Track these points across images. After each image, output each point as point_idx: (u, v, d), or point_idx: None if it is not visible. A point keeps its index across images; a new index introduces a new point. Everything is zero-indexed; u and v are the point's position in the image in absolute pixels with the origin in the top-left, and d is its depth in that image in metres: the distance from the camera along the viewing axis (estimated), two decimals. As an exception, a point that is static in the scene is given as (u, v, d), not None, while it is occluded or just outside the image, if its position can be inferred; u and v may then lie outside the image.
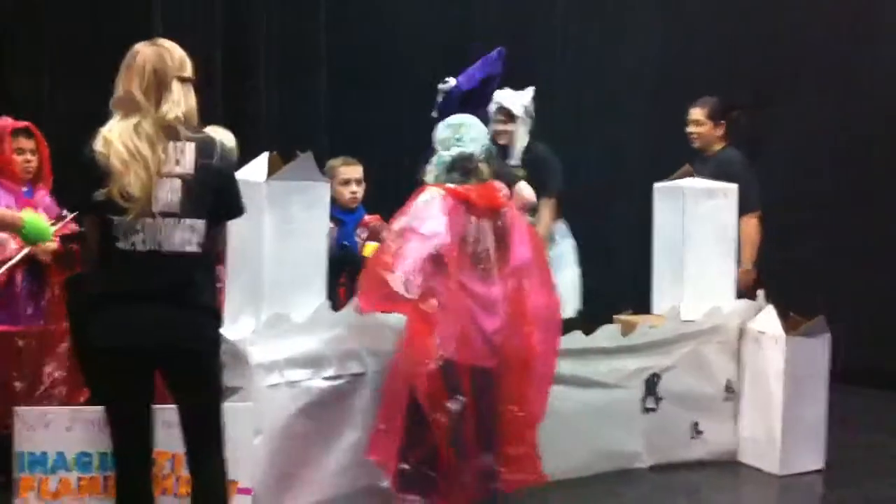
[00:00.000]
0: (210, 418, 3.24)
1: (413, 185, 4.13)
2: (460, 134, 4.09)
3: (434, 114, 5.19)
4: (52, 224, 4.13)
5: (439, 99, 5.28)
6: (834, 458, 5.10)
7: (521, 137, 5.43)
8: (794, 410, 4.97)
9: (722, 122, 5.70)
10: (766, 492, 4.97)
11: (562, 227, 5.29)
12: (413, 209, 3.94)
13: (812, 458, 5.03)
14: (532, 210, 5.03)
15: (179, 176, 3.06)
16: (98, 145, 3.04)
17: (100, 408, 3.47)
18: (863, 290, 6.85)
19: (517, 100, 5.48)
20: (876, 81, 6.94)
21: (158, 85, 3.10)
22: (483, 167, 4.05)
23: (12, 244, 4.26)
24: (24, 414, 3.74)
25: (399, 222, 3.92)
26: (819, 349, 5.03)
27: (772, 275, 6.55)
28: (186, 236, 3.07)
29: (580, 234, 5.92)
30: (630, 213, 6.70)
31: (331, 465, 4.16)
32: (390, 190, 4.89)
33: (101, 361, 3.15)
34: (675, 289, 5.17)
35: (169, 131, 3.07)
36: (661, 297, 5.25)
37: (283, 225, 4.04)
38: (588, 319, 5.12)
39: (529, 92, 5.44)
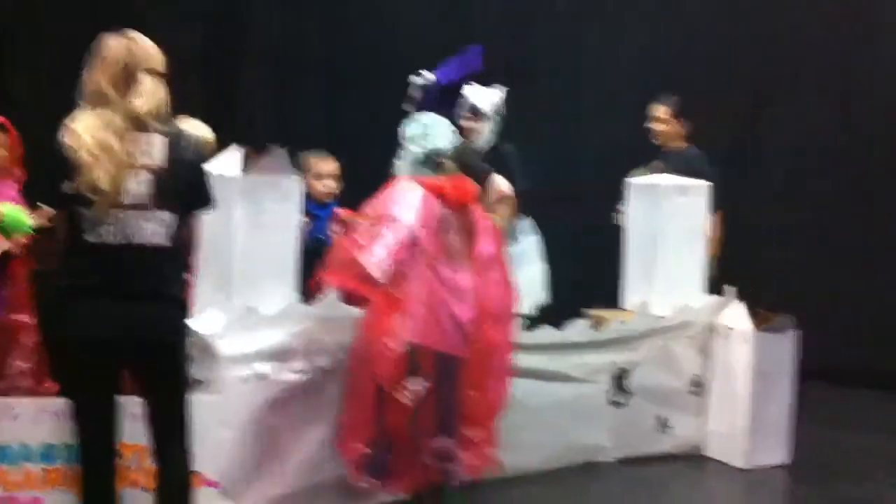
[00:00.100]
0: (176, 411, 3.24)
1: (384, 178, 4.19)
2: (429, 130, 4.19)
3: (408, 107, 5.19)
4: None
5: (414, 93, 5.27)
6: (800, 453, 5.16)
7: (486, 136, 5.44)
8: (760, 405, 5.03)
9: (684, 120, 5.78)
10: (730, 486, 5.03)
11: (525, 225, 5.30)
12: (389, 195, 4.01)
13: (777, 453, 5.10)
14: (507, 202, 5.06)
15: (149, 168, 3.06)
16: (66, 138, 3.04)
17: (65, 399, 3.47)
18: (862, 290, 6.86)
19: (486, 98, 5.48)
20: (876, 81, 6.95)
21: (127, 77, 3.09)
22: (449, 164, 4.16)
23: None
24: (-9, 405, 3.75)
25: (374, 206, 3.99)
26: (786, 345, 5.09)
27: (771, 274, 6.62)
28: (156, 229, 3.07)
29: (581, 234, 5.96)
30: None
31: (299, 457, 4.17)
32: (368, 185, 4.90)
33: (69, 354, 3.14)
34: (646, 284, 5.21)
35: (138, 124, 3.06)
36: (632, 292, 5.29)
37: (254, 218, 4.04)
38: (557, 314, 5.13)
39: (499, 91, 5.46)
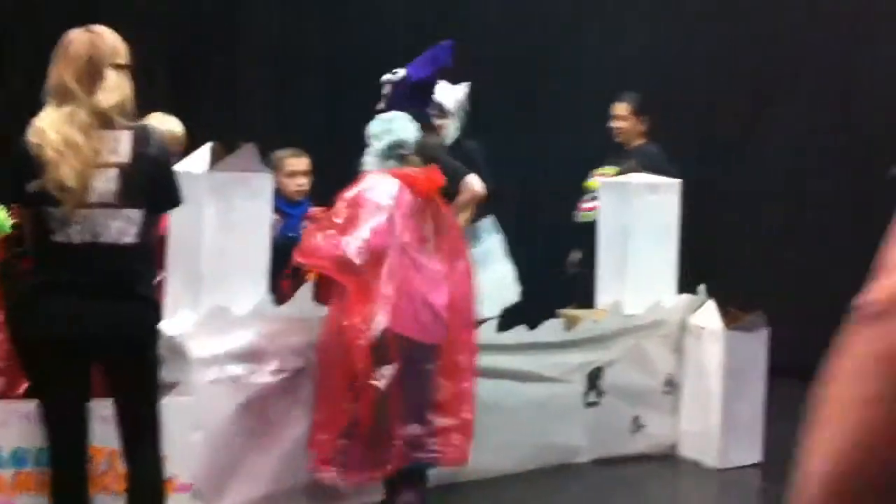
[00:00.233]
0: (147, 413, 3.19)
1: (352, 175, 4.22)
2: (392, 126, 4.26)
3: (381, 105, 5.14)
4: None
5: (386, 91, 5.22)
6: (773, 451, 5.16)
7: (450, 132, 5.40)
8: (733, 404, 5.03)
9: (644, 117, 5.81)
10: (704, 485, 5.04)
11: (488, 224, 5.27)
12: (363, 185, 4.04)
13: (750, 452, 5.10)
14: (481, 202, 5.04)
15: (116, 165, 3.00)
16: (31, 136, 2.97)
17: (35, 401, 3.39)
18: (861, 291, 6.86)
19: (451, 95, 5.45)
20: (876, 81, 6.96)
21: (92, 73, 3.03)
22: (414, 158, 4.23)
23: None
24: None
25: (347, 196, 3.99)
26: (757, 344, 5.10)
27: (771, 275, 6.62)
28: (124, 227, 3.02)
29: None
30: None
31: (272, 460, 4.11)
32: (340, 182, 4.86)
33: (38, 354, 3.09)
34: (618, 283, 5.20)
35: (104, 120, 3.01)
36: (605, 291, 5.28)
37: (224, 216, 3.98)
38: (529, 314, 5.09)
39: (463, 87, 5.40)
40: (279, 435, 4.10)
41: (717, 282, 6.76)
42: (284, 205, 4.76)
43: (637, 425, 5.18)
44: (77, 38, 3.08)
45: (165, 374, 3.67)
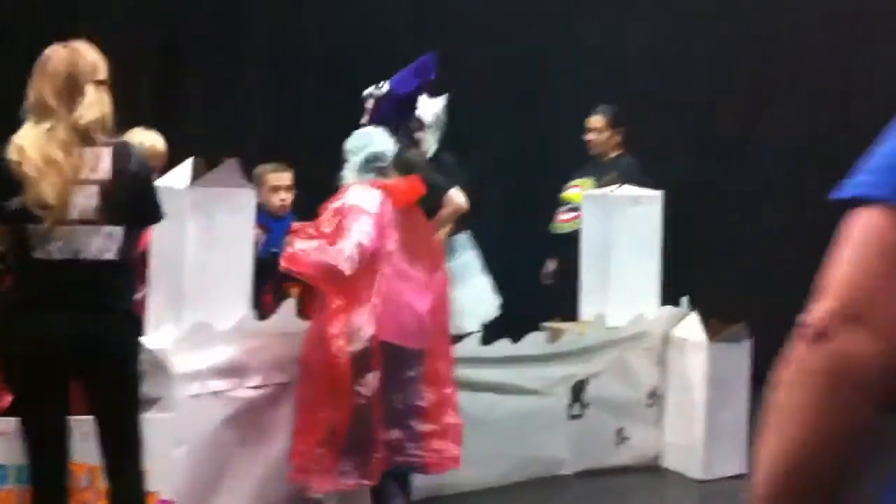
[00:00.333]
0: (128, 429, 3.18)
1: (332, 190, 4.26)
2: (369, 139, 4.32)
3: (364, 120, 5.15)
4: None
5: (369, 105, 5.22)
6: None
7: (429, 145, 5.41)
8: (716, 416, 5.04)
9: (619, 129, 5.84)
10: (688, 496, 5.05)
11: (463, 239, 5.27)
12: (349, 193, 4.10)
13: (734, 463, 5.10)
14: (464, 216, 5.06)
15: (96, 182, 3.00)
16: (10, 153, 2.97)
17: (16, 418, 3.38)
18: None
19: (429, 107, 5.46)
20: (876, 81, 6.93)
21: (72, 89, 3.03)
22: (392, 170, 4.30)
23: None
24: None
25: (335, 203, 4.06)
26: (741, 355, 5.11)
27: (770, 276, 6.62)
28: (104, 244, 3.01)
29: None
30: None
31: (255, 475, 4.10)
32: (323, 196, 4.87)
33: (19, 370, 3.09)
34: (601, 295, 5.22)
35: (84, 136, 3.01)
36: (588, 303, 5.29)
37: (206, 232, 3.98)
38: (513, 327, 5.10)
39: (441, 100, 5.41)
40: (262, 450, 4.09)
41: (714, 281, 6.81)
42: (268, 219, 4.76)
43: (621, 437, 5.19)
44: (56, 55, 3.08)
45: (148, 389, 3.66)
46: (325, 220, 4.03)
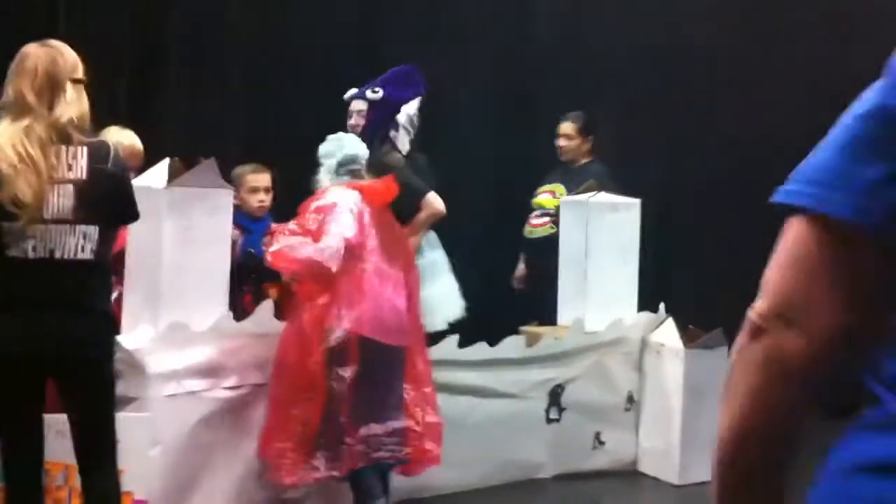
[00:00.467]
0: (103, 428, 3.18)
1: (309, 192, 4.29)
2: (341, 144, 4.36)
3: (353, 122, 5.14)
4: None
5: (359, 108, 5.20)
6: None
7: (402, 146, 5.40)
8: (693, 421, 5.06)
9: (590, 136, 5.88)
10: (664, 501, 5.07)
11: (431, 238, 5.28)
12: (329, 193, 4.15)
13: (709, 469, 5.08)
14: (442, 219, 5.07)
15: (72, 181, 2.99)
16: None
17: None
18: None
19: (403, 109, 5.46)
20: (864, 87, 6.93)
21: (52, 87, 3.03)
22: (364, 173, 4.34)
23: None
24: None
25: (317, 202, 4.10)
26: (717, 361, 5.12)
27: (748, 282, 6.61)
28: (80, 243, 3.01)
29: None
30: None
31: (231, 475, 4.10)
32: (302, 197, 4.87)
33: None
34: (579, 300, 5.23)
35: (62, 135, 3.00)
36: (566, 308, 5.31)
37: (183, 232, 3.98)
38: (491, 331, 5.11)
39: (415, 102, 5.40)
40: (238, 450, 4.09)
41: (692, 287, 6.82)
42: (246, 220, 4.75)
43: (598, 442, 5.21)
44: (34, 53, 3.07)
45: (124, 389, 3.66)
46: (308, 218, 4.06)
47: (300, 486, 4.08)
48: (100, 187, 3.02)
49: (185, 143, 6.46)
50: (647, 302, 5.40)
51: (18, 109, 3.01)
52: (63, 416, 3.20)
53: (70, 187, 2.99)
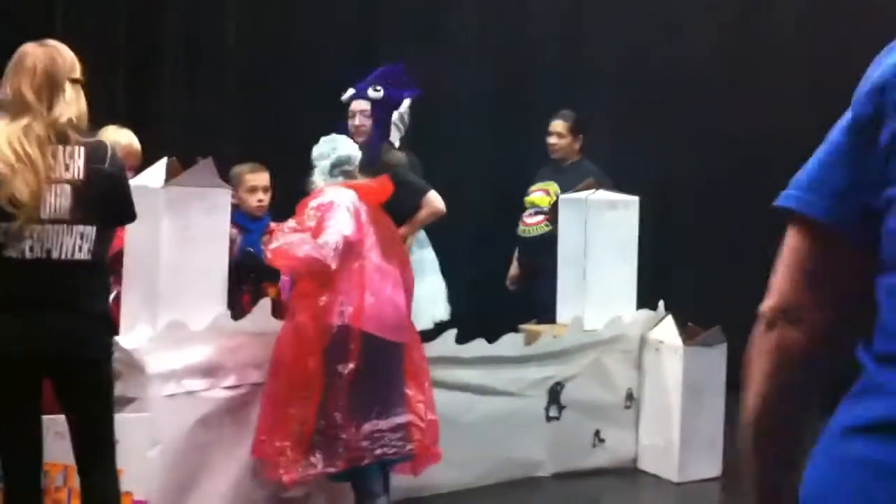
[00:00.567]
0: (102, 429, 3.17)
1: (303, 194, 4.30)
2: (335, 145, 4.36)
3: (357, 122, 5.12)
4: None
5: (362, 108, 5.18)
6: (732, 465, 5.20)
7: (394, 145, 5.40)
8: (692, 419, 5.06)
9: (580, 135, 5.90)
10: (664, 499, 5.06)
11: (421, 237, 5.28)
12: (326, 192, 4.15)
13: (709, 466, 5.13)
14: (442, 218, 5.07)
15: (69, 181, 2.98)
16: None
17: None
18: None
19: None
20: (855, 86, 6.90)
21: (51, 87, 3.02)
22: (357, 173, 4.36)
23: None
24: None
25: (315, 201, 4.11)
26: (716, 358, 5.13)
27: (747, 279, 6.63)
28: (77, 243, 3.00)
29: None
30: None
31: (231, 475, 4.09)
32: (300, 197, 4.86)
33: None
34: (578, 298, 5.23)
35: (60, 135, 3.00)
36: (565, 306, 5.30)
37: (181, 231, 3.97)
38: (489, 329, 5.10)
39: (406, 101, 5.39)
40: (238, 450, 4.08)
41: (691, 284, 6.80)
42: (244, 220, 4.75)
43: (598, 439, 5.21)
44: (33, 52, 3.06)
45: (122, 389, 3.66)
46: (307, 216, 4.06)
47: (300, 484, 4.07)
48: (97, 187, 3.02)
49: (182, 142, 6.47)
50: (646, 299, 5.40)
51: (17, 108, 3.00)
52: (62, 417, 3.19)
53: (67, 187, 2.98)
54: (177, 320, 3.95)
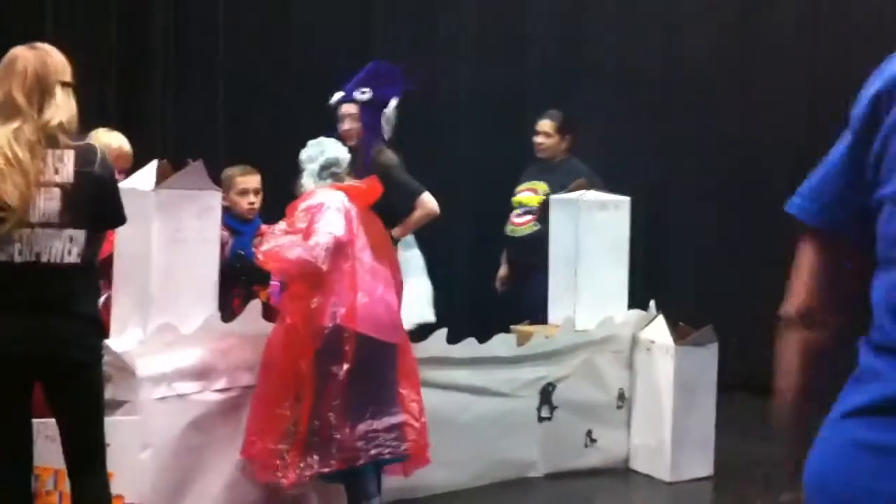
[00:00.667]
0: (92, 432, 3.17)
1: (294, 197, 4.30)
2: (322, 148, 4.36)
3: (346, 127, 5.11)
4: None
5: (351, 112, 5.17)
6: (724, 465, 5.20)
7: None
8: (683, 419, 5.07)
9: (567, 136, 5.91)
10: (656, 498, 5.07)
11: (407, 238, 5.27)
12: (317, 194, 4.16)
13: (701, 466, 5.14)
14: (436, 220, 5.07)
15: (58, 185, 2.98)
16: None
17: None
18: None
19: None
20: (846, 86, 6.89)
21: (41, 90, 3.02)
22: (346, 175, 4.36)
23: None
24: None
25: (305, 203, 4.11)
26: (707, 358, 5.14)
27: (738, 279, 6.63)
28: (66, 247, 2.99)
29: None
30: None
31: (222, 478, 4.09)
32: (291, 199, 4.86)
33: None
34: (570, 299, 5.23)
35: (50, 138, 2.99)
36: (556, 307, 5.31)
37: (172, 234, 3.97)
38: (481, 329, 5.10)
39: (393, 101, 5.38)
40: (228, 453, 4.07)
41: (682, 284, 6.79)
42: (235, 222, 4.74)
43: (590, 440, 5.21)
44: (23, 55, 3.06)
45: (113, 392, 3.66)
46: (298, 218, 4.06)
47: (298, 485, 4.07)
48: (86, 191, 3.01)
49: (173, 144, 6.47)
50: (637, 299, 5.41)
51: (7, 112, 2.99)
52: (52, 421, 3.19)
53: (57, 191, 2.98)
54: (167, 323, 3.94)
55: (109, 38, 6.76)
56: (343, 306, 4.00)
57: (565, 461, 5.13)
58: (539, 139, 5.96)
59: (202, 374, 4.01)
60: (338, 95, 5.21)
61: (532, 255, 5.61)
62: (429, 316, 5.27)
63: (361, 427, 4.00)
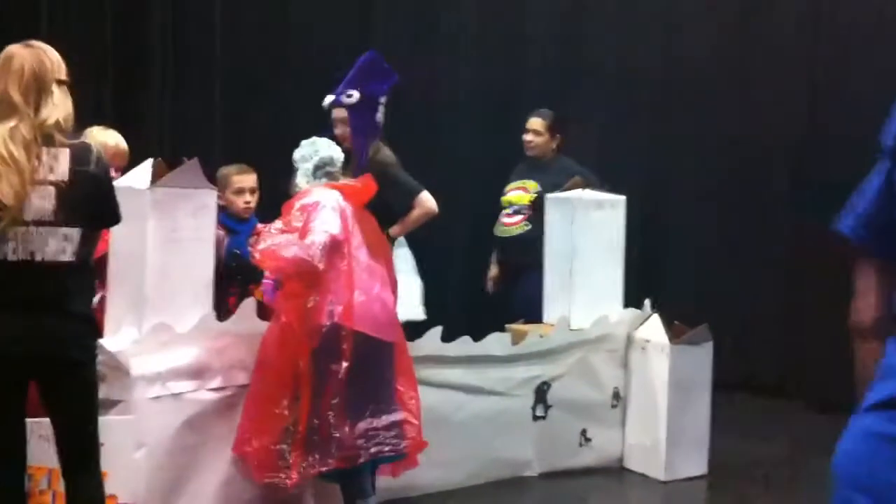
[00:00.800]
0: (86, 431, 3.17)
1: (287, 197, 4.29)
2: (316, 148, 4.35)
3: (339, 131, 5.09)
4: None
5: (341, 116, 5.15)
6: (718, 464, 5.21)
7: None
8: (678, 417, 5.07)
9: (558, 135, 5.92)
10: (651, 497, 5.08)
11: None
12: (311, 193, 4.16)
13: (695, 465, 5.15)
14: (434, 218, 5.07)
15: (53, 183, 2.98)
16: None
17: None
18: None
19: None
20: (844, 85, 6.91)
21: (38, 88, 3.02)
22: (340, 174, 4.37)
23: None
24: None
25: (300, 202, 4.11)
26: (702, 357, 5.15)
27: (733, 278, 6.62)
28: (61, 245, 3.00)
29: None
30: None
31: (217, 477, 4.08)
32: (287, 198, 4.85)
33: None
34: (565, 298, 5.24)
35: (46, 136, 3.00)
36: (551, 305, 5.31)
37: (167, 233, 3.96)
38: (476, 328, 5.10)
39: (382, 98, 5.35)
40: (223, 452, 4.07)
41: (677, 283, 6.78)
42: (231, 222, 4.74)
43: (584, 439, 5.22)
44: (20, 53, 3.06)
45: (107, 391, 3.66)
46: (293, 217, 4.07)
47: (300, 484, 4.07)
48: (82, 189, 3.01)
49: (169, 143, 6.47)
50: (633, 299, 5.41)
51: (4, 110, 2.99)
52: (47, 420, 3.19)
53: (52, 189, 2.98)
54: (162, 322, 3.94)
55: (106, 36, 6.76)
56: (340, 305, 4.00)
57: (560, 460, 5.14)
58: (529, 137, 5.95)
59: (197, 373, 4.01)
60: (328, 99, 5.17)
61: (524, 255, 5.61)
62: (418, 314, 5.27)
63: (361, 425, 4.01)
